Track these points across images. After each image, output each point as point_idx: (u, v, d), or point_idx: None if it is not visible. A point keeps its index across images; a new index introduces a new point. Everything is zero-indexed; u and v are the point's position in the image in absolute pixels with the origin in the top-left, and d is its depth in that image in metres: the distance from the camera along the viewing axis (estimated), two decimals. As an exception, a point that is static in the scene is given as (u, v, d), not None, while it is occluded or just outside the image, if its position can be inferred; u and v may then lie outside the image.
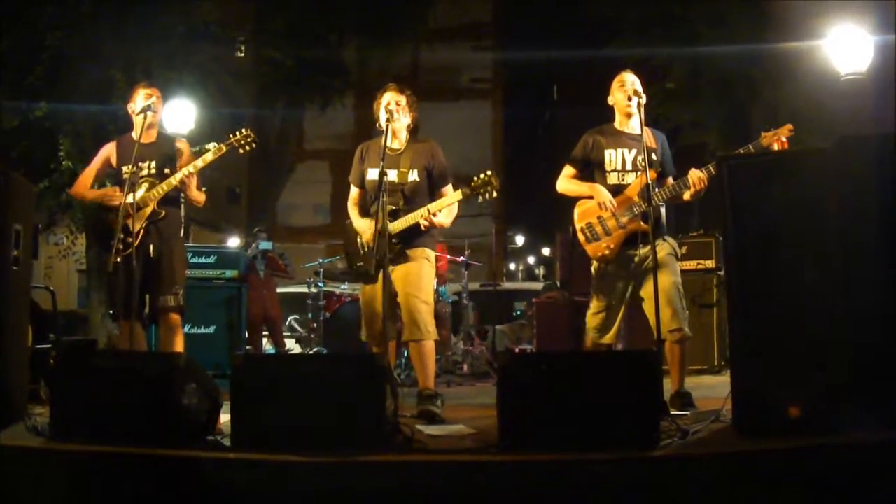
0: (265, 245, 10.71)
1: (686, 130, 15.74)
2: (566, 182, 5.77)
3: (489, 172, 5.47)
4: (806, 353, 4.14)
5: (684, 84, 15.49)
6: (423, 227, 5.49)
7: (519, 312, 15.59)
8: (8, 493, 3.99)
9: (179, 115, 11.17)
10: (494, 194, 5.44)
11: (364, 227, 5.68)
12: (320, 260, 10.21)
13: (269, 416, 4.13)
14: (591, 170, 5.69)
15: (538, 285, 18.08)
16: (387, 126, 5.48)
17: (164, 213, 5.77)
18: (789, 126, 5.26)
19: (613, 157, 5.60)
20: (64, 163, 11.88)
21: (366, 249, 5.62)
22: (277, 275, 10.92)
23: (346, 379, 4.18)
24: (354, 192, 5.88)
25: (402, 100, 5.66)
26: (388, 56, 21.86)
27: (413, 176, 5.60)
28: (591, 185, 5.63)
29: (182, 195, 6.05)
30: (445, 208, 5.55)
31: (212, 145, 5.77)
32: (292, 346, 12.01)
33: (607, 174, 5.60)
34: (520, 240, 43.61)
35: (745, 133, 13.10)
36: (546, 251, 40.48)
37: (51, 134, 12.09)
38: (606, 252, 5.55)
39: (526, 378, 4.11)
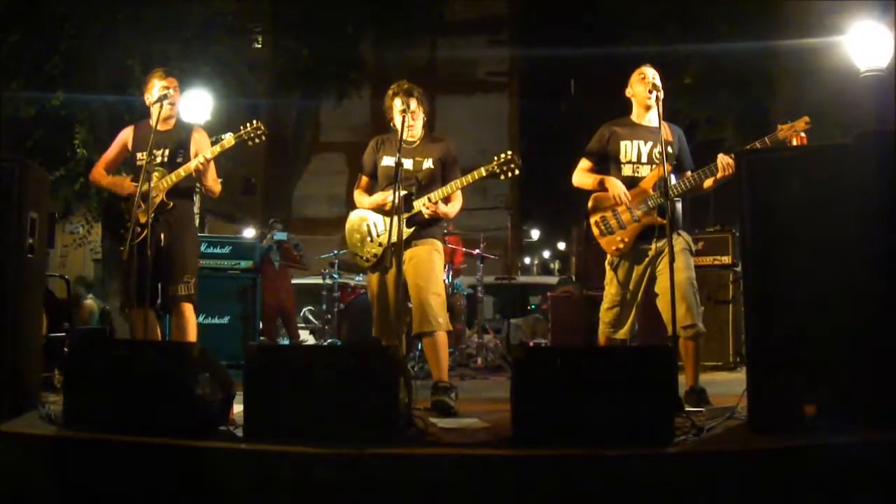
0: (280, 236, 10.74)
1: (703, 126, 15.70)
2: (582, 175, 5.73)
3: (510, 152, 5.49)
4: (823, 351, 4.10)
5: (701, 79, 15.43)
6: (425, 216, 5.51)
7: (534, 306, 15.52)
8: (21, 481, 4.00)
9: (196, 105, 11.19)
10: (517, 172, 5.42)
11: (381, 198, 5.67)
12: (335, 251, 10.18)
13: (282, 407, 4.13)
14: (606, 162, 5.64)
15: (553, 279, 18.04)
16: (402, 127, 5.52)
17: (172, 204, 5.71)
18: (806, 118, 5.18)
19: (629, 149, 5.55)
20: (79, 151, 11.92)
21: (373, 236, 5.66)
22: (292, 265, 10.93)
23: (359, 370, 4.17)
24: (364, 180, 5.92)
25: (413, 102, 5.64)
26: (404, 49, 21.82)
27: (428, 164, 5.65)
28: (606, 178, 5.57)
29: (197, 185, 6.05)
30: (451, 202, 5.62)
31: (227, 136, 5.74)
32: (306, 337, 12.03)
33: (622, 166, 5.55)
34: (535, 234, 43.55)
35: (762, 129, 13.01)
36: (561, 245, 40.42)
37: (67, 123, 12.12)
38: (621, 245, 5.50)
39: (540, 372, 4.10)
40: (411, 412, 4.40)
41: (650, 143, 5.52)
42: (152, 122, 5.72)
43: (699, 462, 3.82)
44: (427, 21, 22.09)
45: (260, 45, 18.61)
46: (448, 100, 29.59)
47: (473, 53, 32.83)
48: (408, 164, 5.54)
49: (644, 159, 5.54)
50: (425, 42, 25.78)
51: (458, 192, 5.62)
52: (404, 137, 5.53)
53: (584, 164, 5.73)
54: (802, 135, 5.12)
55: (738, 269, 7.99)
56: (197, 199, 6.17)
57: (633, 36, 16.19)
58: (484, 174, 5.46)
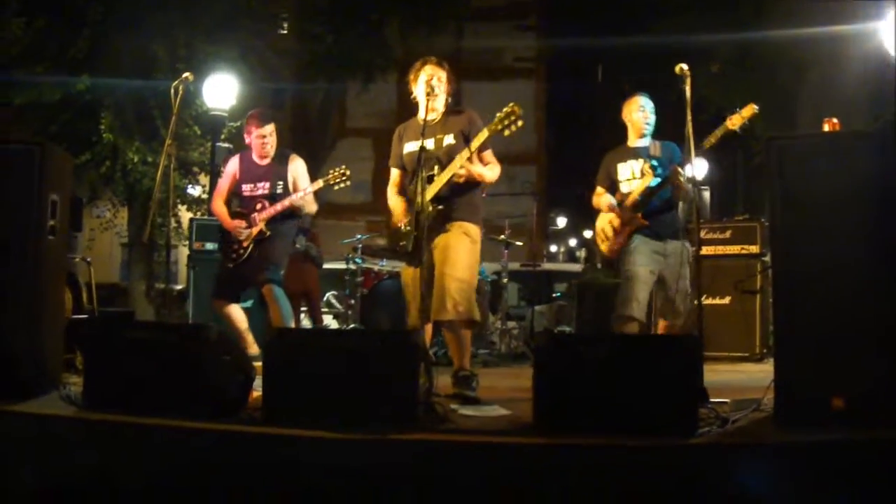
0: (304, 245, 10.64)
1: (729, 113, 15.55)
2: (595, 199, 6.42)
3: (511, 104, 5.32)
4: (851, 343, 4.03)
5: (728, 67, 15.30)
6: (457, 179, 5.35)
7: (559, 294, 15.46)
8: (39, 461, 4.00)
9: (221, 90, 11.17)
10: (520, 123, 5.27)
11: (396, 204, 5.66)
12: (358, 236, 10.16)
13: (302, 391, 4.11)
14: (613, 186, 6.27)
15: (579, 267, 17.95)
16: (427, 101, 5.40)
17: (269, 232, 6.44)
18: (752, 105, 5.61)
19: (624, 170, 6.20)
20: (105, 135, 11.95)
21: (406, 229, 5.52)
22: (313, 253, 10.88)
23: (379, 355, 4.14)
24: (395, 174, 5.82)
25: (443, 75, 5.55)
26: (430, 35, 21.74)
27: (449, 140, 5.50)
28: (599, 196, 6.31)
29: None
30: (488, 166, 5.52)
31: (317, 182, 6.56)
32: (330, 321, 12.01)
33: (621, 184, 6.21)
34: (561, 222, 43.33)
35: (790, 117, 12.92)
36: (588, 233, 40.21)
37: (92, 108, 12.16)
38: (616, 247, 6.12)
39: (563, 360, 4.05)
40: (431, 398, 4.37)
41: (641, 160, 6.11)
42: (254, 155, 6.61)
43: (723, 454, 3.77)
44: (453, 7, 21.95)
45: (285, 31, 18.58)
46: (474, 86, 29.42)
47: (500, 40, 32.72)
48: (429, 143, 5.39)
49: (638, 174, 6.13)
50: (451, 28, 25.62)
51: (494, 159, 5.56)
52: (426, 117, 5.41)
53: (598, 190, 6.41)
54: (835, 121, 5.05)
55: (767, 258, 7.90)
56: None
57: (660, 22, 16.03)
58: (487, 134, 5.34)
